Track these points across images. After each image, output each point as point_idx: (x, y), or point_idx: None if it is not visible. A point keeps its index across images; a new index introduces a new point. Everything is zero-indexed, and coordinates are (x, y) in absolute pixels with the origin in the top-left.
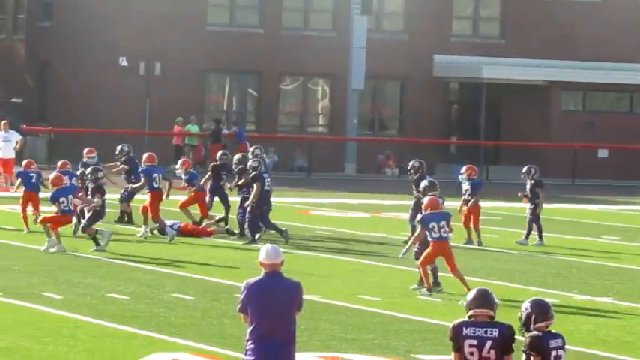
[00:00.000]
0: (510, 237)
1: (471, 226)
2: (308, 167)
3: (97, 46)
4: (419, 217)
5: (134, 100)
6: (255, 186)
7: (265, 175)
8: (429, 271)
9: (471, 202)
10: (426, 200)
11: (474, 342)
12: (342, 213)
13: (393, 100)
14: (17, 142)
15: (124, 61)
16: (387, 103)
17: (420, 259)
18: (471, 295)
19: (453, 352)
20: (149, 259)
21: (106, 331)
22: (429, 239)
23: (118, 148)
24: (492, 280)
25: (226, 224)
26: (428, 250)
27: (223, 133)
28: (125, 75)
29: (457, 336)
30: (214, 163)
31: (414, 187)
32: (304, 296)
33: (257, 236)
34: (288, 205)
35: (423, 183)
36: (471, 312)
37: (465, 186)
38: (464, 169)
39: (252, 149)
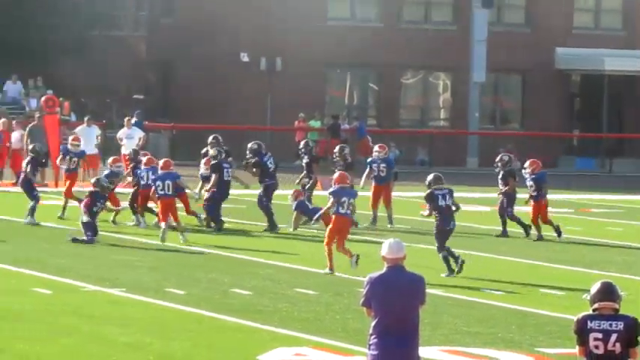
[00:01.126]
0: (633, 230)
1: (539, 221)
2: (429, 161)
3: (218, 42)
4: (331, 189)
5: (255, 96)
6: (213, 176)
7: (225, 166)
8: (441, 258)
9: (536, 196)
10: (336, 175)
11: (599, 335)
12: (464, 207)
13: (515, 93)
14: (140, 139)
15: (245, 57)
16: (508, 96)
17: (325, 239)
18: (595, 288)
19: (577, 346)
20: (271, 254)
21: (229, 326)
22: (334, 213)
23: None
24: (612, 273)
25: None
26: (330, 226)
27: (344, 128)
28: (246, 71)
29: (582, 330)
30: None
31: (500, 181)
32: (426, 290)
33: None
34: (409, 199)
35: (429, 176)
36: (595, 305)
37: (529, 181)
38: (527, 163)
39: (250, 145)
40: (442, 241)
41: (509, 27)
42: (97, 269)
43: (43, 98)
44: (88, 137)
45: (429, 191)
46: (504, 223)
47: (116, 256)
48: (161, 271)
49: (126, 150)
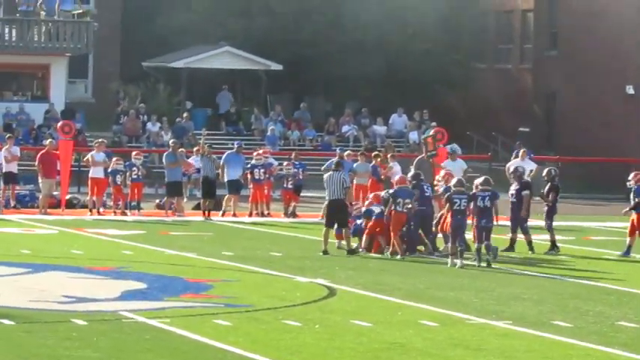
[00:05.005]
0: None
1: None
2: None
3: (603, 74)
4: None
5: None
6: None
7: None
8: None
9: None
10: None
11: None
12: None
13: None
14: (531, 171)
15: (630, 89)
16: None
17: (392, 233)
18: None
19: None
20: None
21: None
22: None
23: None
24: None
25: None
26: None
27: None
28: (631, 103)
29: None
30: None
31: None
32: None
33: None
34: None
35: (478, 179)
36: None
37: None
38: (632, 175)
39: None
40: (480, 236)
41: None
42: (482, 302)
43: (431, 131)
44: (453, 172)
45: (472, 193)
46: None
47: (502, 289)
48: (546, 303)
49: None
